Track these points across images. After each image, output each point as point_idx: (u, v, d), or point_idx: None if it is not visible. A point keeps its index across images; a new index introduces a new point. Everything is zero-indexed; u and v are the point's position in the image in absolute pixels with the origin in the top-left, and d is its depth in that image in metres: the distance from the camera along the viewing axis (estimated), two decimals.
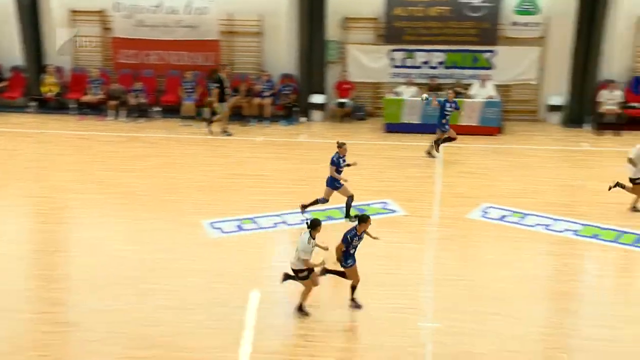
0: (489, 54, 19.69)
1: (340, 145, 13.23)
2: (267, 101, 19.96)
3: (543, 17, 19.34)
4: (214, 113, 19.15)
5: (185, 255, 12.28)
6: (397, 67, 20.10)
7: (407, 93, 19.35)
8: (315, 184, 15.50)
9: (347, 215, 13.34)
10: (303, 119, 20.18)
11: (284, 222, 13.55)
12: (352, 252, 10.28)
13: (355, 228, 10.21)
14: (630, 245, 12.55)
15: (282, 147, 18.37)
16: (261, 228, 13.33)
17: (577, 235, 12.99)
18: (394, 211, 13.86)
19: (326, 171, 13.19)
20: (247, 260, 12.14)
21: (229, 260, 12.15)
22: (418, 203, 13.77)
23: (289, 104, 20.14)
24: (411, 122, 18.89)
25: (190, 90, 20.18)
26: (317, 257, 10.27)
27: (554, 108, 19.61)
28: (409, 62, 20.03)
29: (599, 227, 13.17)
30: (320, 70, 20.25)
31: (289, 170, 16.58)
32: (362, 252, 11.94)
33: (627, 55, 19.19)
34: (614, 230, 13.02)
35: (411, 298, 10.21)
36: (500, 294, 10.86)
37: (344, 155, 13.21)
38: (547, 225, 13.33)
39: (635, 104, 18.98)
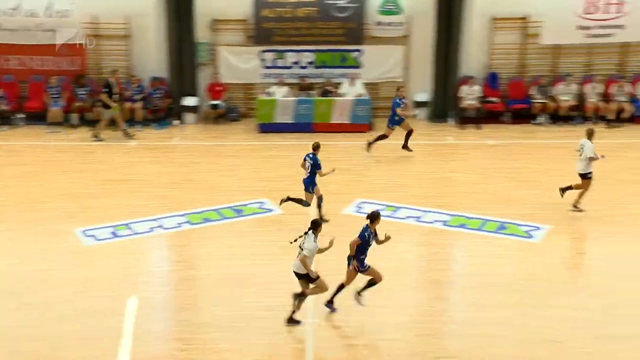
0: (356, 53, 20.21)
1: (317, 147, 13.23)
2: (138, 105, 19.60)
3: (405, 16, 20.02)
4: (95, 120, 18.81)
5: (58, 265, 11.91)
6: (268, 67, 20.26)
7: (279, 93, 19.54)
8: (190, 186, 15.44)
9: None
10: (176, 122, 19.96)
11: (160, 227, 13.39)
12: (366, 254, 10.22)
13: (368, 226, 10.15)
14: (493, 232, 13.26)
15: (156, 151, 18.10)
16: (136, 233, 13.12)
17: (446, 225, 13.59)
18: (270, 210, 14.00)
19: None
20: (123, 267, 11.93)
21: (104, 267, 11.88)
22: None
23: (160, 107, 19.86)
24: (284, 121, 19.10)
25: (56, 96, 19.49)
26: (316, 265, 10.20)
27: (420, 104, 20.38)
28: (279, 63, 20.24)
29: (465, 216, 13.84)
30: (191, 72, 20.10)
31: (163, 173, 16.40)
32: (244, 252, 12.00)
33: (483, 52, 20.20)
34: (478, 219, 13.73)
35: (290, 296, 10.35)
36: (377, 286, 11.22)
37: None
38: (417, 218, 13.86)
39: (493, 99, 20.03)
